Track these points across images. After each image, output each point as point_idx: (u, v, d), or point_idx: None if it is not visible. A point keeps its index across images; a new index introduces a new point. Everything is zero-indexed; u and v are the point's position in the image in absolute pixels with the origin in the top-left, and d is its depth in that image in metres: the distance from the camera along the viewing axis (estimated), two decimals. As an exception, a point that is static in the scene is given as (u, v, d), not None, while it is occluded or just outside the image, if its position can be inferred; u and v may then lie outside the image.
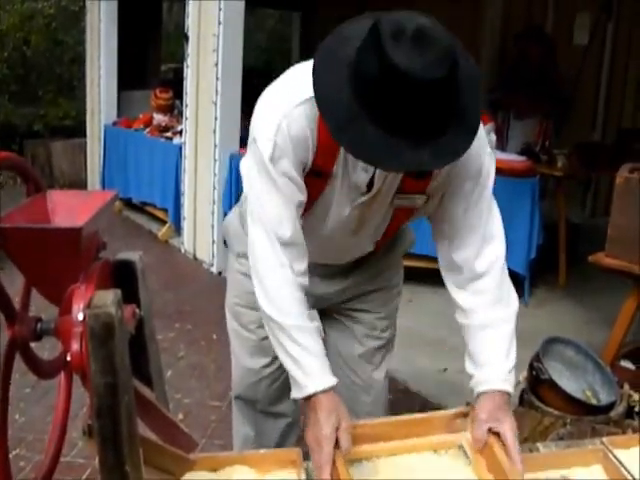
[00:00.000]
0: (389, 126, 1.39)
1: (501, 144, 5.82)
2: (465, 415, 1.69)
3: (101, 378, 1.05)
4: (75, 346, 1.11)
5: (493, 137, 5.13)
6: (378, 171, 1.62)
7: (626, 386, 2.77)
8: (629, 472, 1.61)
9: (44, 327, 1.16)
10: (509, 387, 1.65)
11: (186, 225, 6.02)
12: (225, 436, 2.85)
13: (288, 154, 1.56)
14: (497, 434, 1.58)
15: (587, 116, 7.62)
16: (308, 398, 1.56)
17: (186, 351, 4.07)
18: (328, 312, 2.09)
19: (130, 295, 1.32)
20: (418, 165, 1.44)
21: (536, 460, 1.68)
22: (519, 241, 4.67)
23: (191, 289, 5.16)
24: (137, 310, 1.31)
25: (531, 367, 2.70)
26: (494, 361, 1.67)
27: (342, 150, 1.58)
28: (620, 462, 1.65)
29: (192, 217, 5.94)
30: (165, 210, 6.59)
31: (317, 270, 1.88)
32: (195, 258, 5.87)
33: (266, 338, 2.00)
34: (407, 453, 1.62)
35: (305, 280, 1.65)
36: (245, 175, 1.71)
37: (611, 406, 2.65)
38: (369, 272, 2.02)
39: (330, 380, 1.58)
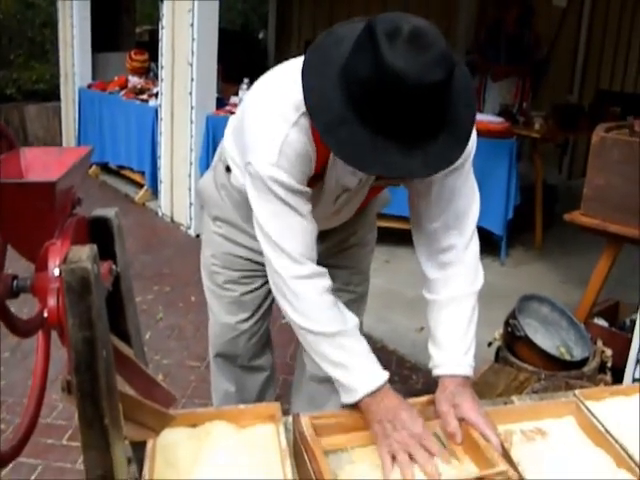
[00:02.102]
0: (380, 129, 1.35)
1: (478, 106, 5.83)
2: None
3: (79, 332, 1.05)
4: (52, 302, 1.10)
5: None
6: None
7: (599, 342, 2.82)
8: (601, 423, 1.64)
9: (20, 284, 1.15)
10: (462, 371, 1.63)
11: (163, 188, 5.99)
12: (205, 396, 2.87)
13: (294, 173, 1.51)
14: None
15: (565, 78, 7.64)
16: (374, 396, 1.50)
17: (165, 313, 4.08)
18: None
19: (106, 252, 1.31)
20: (408, 172, 1.41)
21: (510, 412, 1.71)
22: (496, 202, 4.70)
23: (169, 252, 5.15)
24: (114, 266, 1.30)
25: (507, 324, 2.74)
26: (450, 343, 1.66)
27: (332, 154, 1.55)
28: (592, 413, 1.68)
29: (169, 180, 5.90)
30: (142, 173, 6.54)
31: None
32: (172, 221, 5.85)
33: (243, 294, 2.02)
34: None
35: (328, 281, 1.61)
36: (251, 199, 1.59)
37: (584, 362, 2.70)
38: (344, 233, 2.04)
39: (385, 371, 1.55)
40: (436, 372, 1.66)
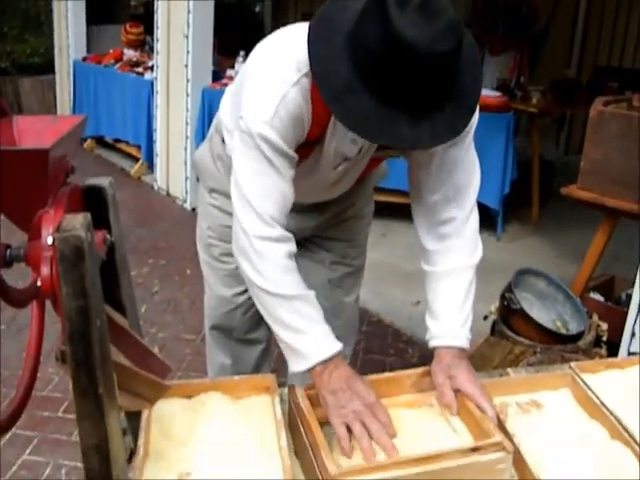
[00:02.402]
0: (388, 98, 1.33)
1: (476, 80, 5.78)
2: None
3: (72, 301, 1.04)
4: (45, 270, 1.09)
5: (468, 72, 5.09)
6: (367, 142, 1.59)
7: (595, 316, 2.83)
8: (596, 396, 1.65)
9: (13, 253, 1.14)
10: (459, 343, 1.62)
11: (159, 162, 5.97)
12: (200, 369, 2.88)
13: (285, 135, 1.49)
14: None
15: (563, 53, 7.60)
16: (326, 365, 1.49)
17: (160, 286, 4.08)
18: (299, 242, 2.10)
19: (100, 221, 1.30)
20: (416, 141, 1.38)
21: (506, 384, 1.71)
22: (493, 176, 4.69)
23: (164, 225, 5.14)
24: (108, 236, 1.29)
25: (503, 298, 2.75)
26: (447, 314, 1.65)
27: (332, 120, 1.53)
28: (587, 386, 1.69)
29: (165, 153, 5.88)
30: (138, 147, 6.52)
31: (294, 207, 1.89)
32: (168, 194, 5.83)
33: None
34: None
35: (294, 247, 1.59)
36: (235, 153, 1.58)
37: (580, 335, 2.71)
38: (342, 205, 2.03)
39: (339, 344, 1.53)
40: (432, 343, 1.65)
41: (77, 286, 1.04)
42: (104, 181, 1.33)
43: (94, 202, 1.32)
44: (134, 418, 1.48)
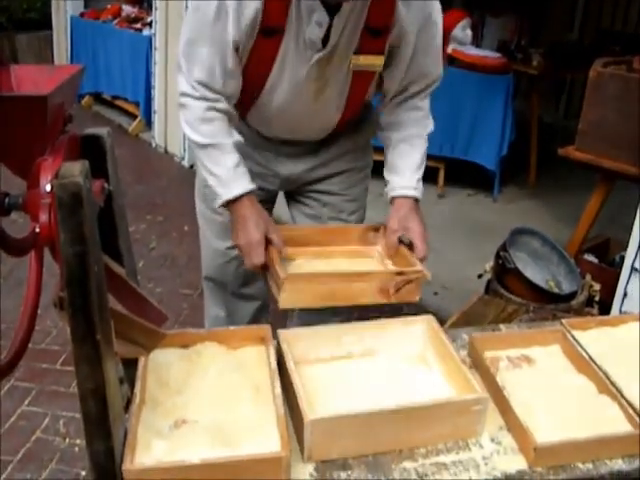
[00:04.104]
0: None
1: (476, 41, 5.75)
2: (376, 230, 1.89)
3: (70, 247, 1.06)
4: (43, 217, 1.10)
5: (469, 33, 5.06)
6: (334, 26, 1.64)
7: (588, 277, 2.85)
8: (585, 351, 1.67)
9: (12, 201, 1.15)
10: (417, 194, 1.85)
11: (157, 119, 5.94)
12: (197, 323, 2.89)
13: (241, 14, 1.60)
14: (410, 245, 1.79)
15: (565, 17, 7.52)
16: (233, 205, 1.74)
17: (158, 242, 4.10)
18: (295, 196, 2.11)
19: (99, 171, 1.31)
20: None
21: (497, 339, 1.74)
22: (491, 137, 4.68)
23: (162, 182, 5.14)
24: (105, 185, 1.30)
25: (497, 256, 2.76)
26: (407, 170, 1.86)
27: (294, 4, 1.60)
28: (577, 342, 1.71)
29: (163, 110, 5.84)
30: (136, 104, 6.47)
31: (284, 150, 1.90)
32: (166, 152, 5.82)
33: None
34: (327, 258, 1.85)
35: (223, 105, 1.75)
36: (191, 14, 1.71)
37: (573, 295, 2.73)
38: (335, 151, 2.04)
39: (250, 185, 1.75)
40: (392, 194, 1.87)
41: (75, 232, 1.05)
42: (102, 131, 1.34)
43: (92, 152, 1.32)
44: (131, 368, 1.50)
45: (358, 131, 2.02)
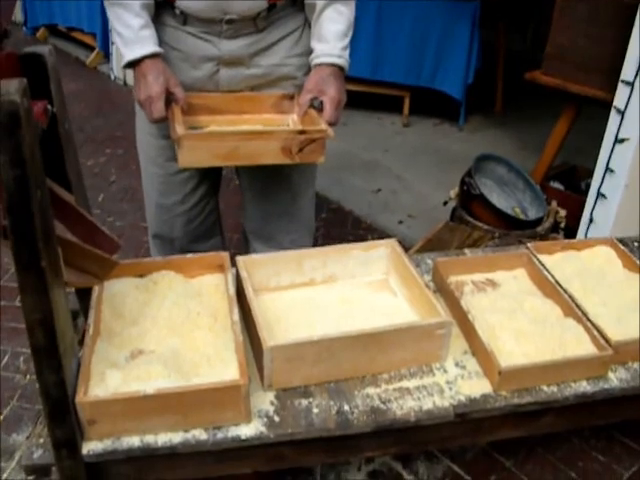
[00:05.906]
0: None
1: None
2: (291, 98, 1.85)
3: (10, 170, 0.99)
4: (-20, 139, 1.04)
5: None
6: None
7: (554, 203, 2.83)
8: (551, 274, 1.65)
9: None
10: (341, 62, 1.78)
11: (115, 51, 5.75)
12: (158, 256, 2.85)
13: None
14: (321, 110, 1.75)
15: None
16: (136, 66, 1.71)
17: (117, 175, 4.00)
18: None
19: (41, 92, 1.23)
20: None
21: (462, 263, 1.71)
22: (456, 65, 4.59)
23: (121, 115, 4.99)
24: (49, 106, 1.23)
25: (463, 183, 2.73)
26: (333, 38, 1.79)
27: None
28: (543, 265, 1.69)
29: (121, 41, 5.65)
30: (93, 35, 6.26)
31: (223, 33, 1.79)
32: (125, 84, 5.65)
33: (175, 173, 1.93)
34: (241, 125, 1.82)
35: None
36: None
37: (538, 222, 2.71)
38: (270, 57, 1.88)
39: (154, 47, 1.71)
40: (317, 61, 1.79)
41: (14, 154, 0.99)
42: (44, 49, 1.26)
43: (34, 72, 1.24)
44: (87, 300, 1.45)
45: (288, 32, 1.90)
